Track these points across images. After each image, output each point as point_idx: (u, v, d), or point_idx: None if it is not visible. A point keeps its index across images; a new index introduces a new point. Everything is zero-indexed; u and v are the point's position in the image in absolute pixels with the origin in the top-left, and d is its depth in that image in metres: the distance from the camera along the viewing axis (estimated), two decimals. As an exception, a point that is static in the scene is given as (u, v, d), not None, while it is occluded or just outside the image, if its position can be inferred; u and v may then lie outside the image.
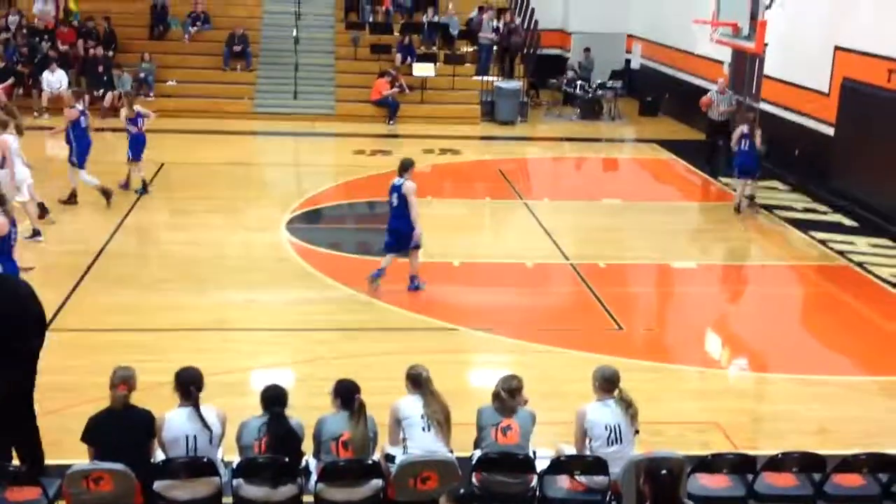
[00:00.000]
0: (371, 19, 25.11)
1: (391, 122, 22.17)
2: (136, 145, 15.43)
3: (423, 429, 6.63)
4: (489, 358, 10.11)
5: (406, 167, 11.34)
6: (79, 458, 6.30)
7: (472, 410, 6.96)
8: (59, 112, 21.07)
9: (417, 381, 6.81)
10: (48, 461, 6.81)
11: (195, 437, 6.32)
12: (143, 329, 9.89)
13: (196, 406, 6.38)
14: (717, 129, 18.55)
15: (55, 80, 21.48)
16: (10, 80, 21.49)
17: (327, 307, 11.10)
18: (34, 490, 6.10)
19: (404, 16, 25.39)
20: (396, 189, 11.25)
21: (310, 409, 6.88)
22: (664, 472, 5.04)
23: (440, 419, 6.68)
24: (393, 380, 8.76)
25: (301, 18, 24.51)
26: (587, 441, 6.71)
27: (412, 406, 6.73)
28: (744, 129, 15.32)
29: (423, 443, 6.59)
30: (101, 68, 21.88)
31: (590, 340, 10.29)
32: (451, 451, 6.64)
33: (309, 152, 20.18)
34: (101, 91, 21.58)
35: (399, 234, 11.29)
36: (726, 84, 18.97)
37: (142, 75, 22.09)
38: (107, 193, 14.57)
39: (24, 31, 22.83)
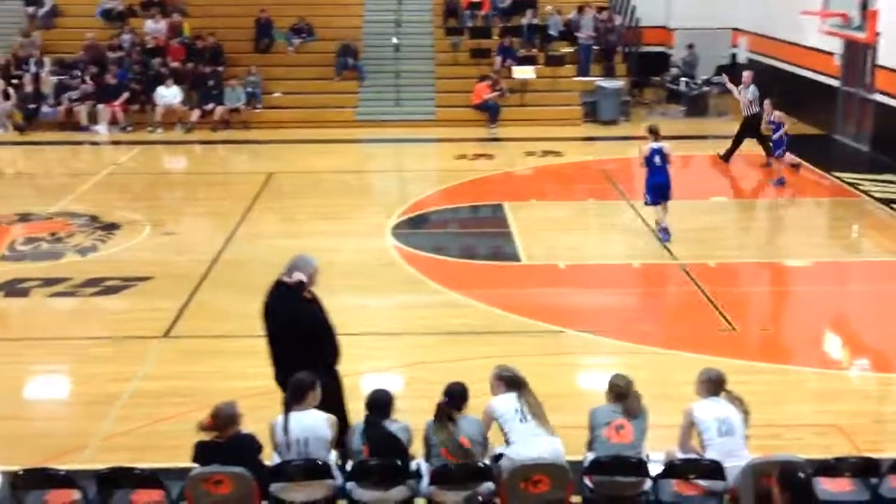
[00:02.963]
0: (470, 24, 25.20)
1: (492, 126, 22.18)
2: None
3: (521, 420, 6.68)
4: (595, 360, 10.00)
5: (658, 131, 13.40)
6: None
7: (579, 413, 6.93)
8: (172, 126, 21.94)
9: (515, 382, 6.86)
10: (170, 464, 7.03)
11: (306, 440, 6.44)
12: (257, 335, 10.07)
13: (303, 409, 6.51)
14: (748, 124, 18.10)
15: (170, 94, 22.22)
16: (125, 97, 22.33)
17: (433, 311, 11.17)
18: (158, 492, 6.30)
19: (503, 19, 25.40)
20: (658, 151, 13.10)
21: (418, 412, 6.94)
22: (802, 475, 4.86)
23: (537, 411, 6.74)
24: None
25: (401, 26, 24.77)
26: (697, 437, 6.62)
27: (505, 402, 6.78)
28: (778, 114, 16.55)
29: (524, 434, 6.63)
30: (210, 83, 22.54)
31: (701, 342, 10.09)
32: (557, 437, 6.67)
33: (411, 158, 20.36)
34: (212, 105, 22.22)
35: (664, 188, 13.20)
36: (750, 79, 18.47)
37: (249, 89, 22.65)
38: None
39: (138, 49, 23.68)
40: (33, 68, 22.86)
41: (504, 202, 15.71)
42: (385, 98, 23.16)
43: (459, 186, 17.08)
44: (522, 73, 23.13)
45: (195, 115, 22.15)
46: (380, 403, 6.61)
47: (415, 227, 14.74)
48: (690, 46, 25.56)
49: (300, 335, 7.10)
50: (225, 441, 6.35)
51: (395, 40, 23.99)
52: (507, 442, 6.71)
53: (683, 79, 24.31)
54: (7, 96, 22.22)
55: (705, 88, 23.82)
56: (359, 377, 9.20)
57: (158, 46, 23.81)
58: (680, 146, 20.41)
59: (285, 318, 7.16)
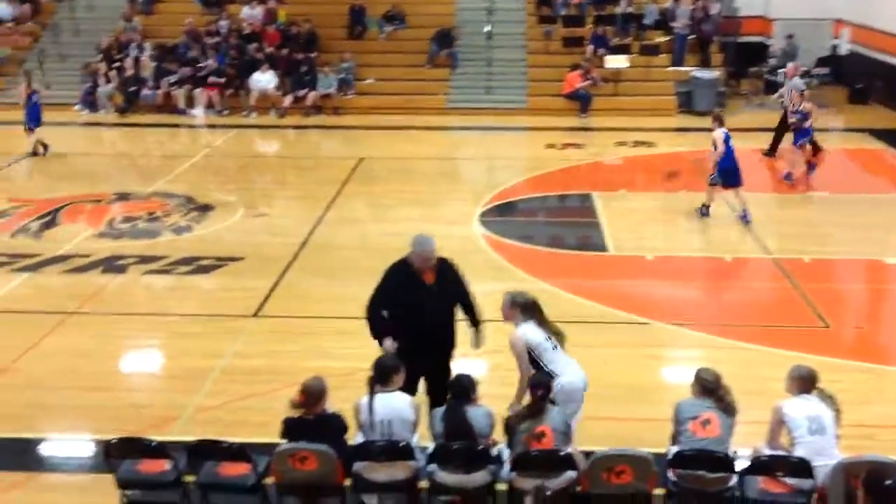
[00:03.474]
0: (564, 12, 24.99)
1: (583, 115, 21.99)
2: (37, 115, 18.22)
3: (554, 348, 7.01)
4: (683, 353, 9.86)
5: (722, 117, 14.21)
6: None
7: (662, 406, 6.85)
8: (266, 111, 22.33)
9: (530, 307, 7.15)
10: (257, 440, 7.18)
11: (389, 421, 6.51)
12: (344, 317, 10.18)
13: (389, 391, 6.58)
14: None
15: (265, 80, 22.62)
16: (222, 81, 22.81)
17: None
18: (245, 466, 6.45)
19: (597, 7, 25.11)
20: (729, 136, 13.78)
21: (500, 399, 6.95)
22: (889, 482, 4.70)
23: (560, 337, 7.13)
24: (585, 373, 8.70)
25: (493, 14, 24.71)
26: (787, 434, 6.48)
27: (534, 332, 7.04)
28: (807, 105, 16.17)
29: (563, 363, 7.00)
30: (303, 69, 22.85)
31: (793, 338, 9.85)
32: None
33: (501, 146, 20.31)
34: (304, 91, 22.53)
35: (736, 170, 13.73)
36: (794, 71, 18.39)
37: (342, 75, 22.90)
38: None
39: (234, 34, 24.14)
40: (134, 52, 23.52)
41: (593, 192, 15.58)
42: (476, 86, 23.16)
43: (548, 175, 16.99)
44: (615, 62, 22.87)
45: (288, 100, 22.50)
46: (462, 387, 6.64)
47: (503, 215, 14.72)
48: (790, 37, 24.89)
49: (444, 314, 7.29)
50: (313, 418, 6.45)
51: (487, 28, 23.94)
52: (548, 370, 6.93)
53: (781, 70, 23.67)
54: (109, 79, 22.94)
55: (804, 80, 23.17)
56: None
57: (254, 32, 24.23)
58: (777, 138, 19.99)
59: (410, 302, 7.24)
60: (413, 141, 20.05)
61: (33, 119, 18.22)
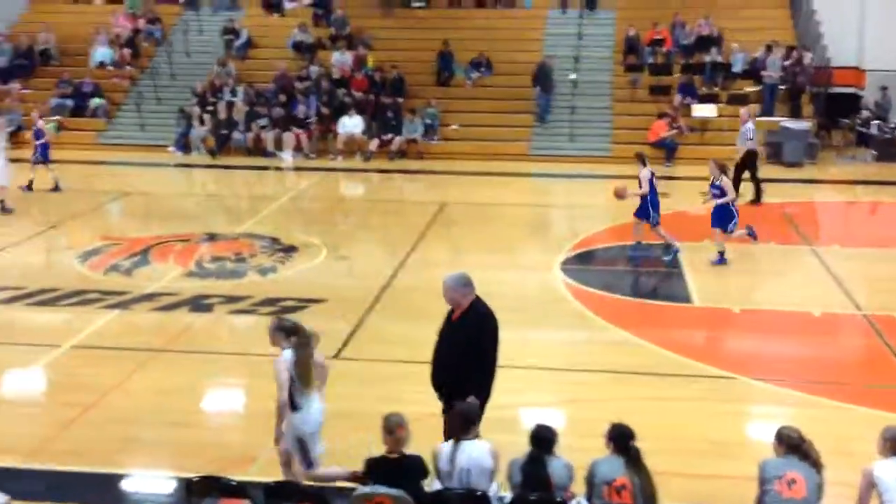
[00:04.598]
0: (651, 60, 24.93)
1: (668, 164, 21.80)
2: (45, 150, 18.65)
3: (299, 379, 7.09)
4: (768, 410, 9.59)
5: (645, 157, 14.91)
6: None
7: (746, 463, 6.64)
8: (352, 155, 22.70)
9: (292, 332, 7.29)
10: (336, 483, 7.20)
11: (469, 470, 6.46)
12: (420, 361, 10.19)
13: (469, 439, 6.53)
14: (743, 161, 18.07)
15: (352, 124, 23.04)
16: (313, 125, 23.29)
17: (599, 348, 11.04)
18: (321, 509, 6.47)
19: (685, 56, 24.99)
20: (654, 175, 14.58)
21: (577, 451, 6.84)
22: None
23: (305, 371, 7.16)
24: (665, 427, 8.56)
25: (580, 62, 24.77)
26: (878, 498, 6.24)
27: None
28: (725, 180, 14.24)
29: (306, 396, 7.12)
30: (390, 114, 23.21)
31: (884, 398, 9.50)
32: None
33: (584, 194, 20.25)
34: (390, 136, 22.85)
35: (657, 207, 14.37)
36: (747, 116, 18.57)
37: (427, 121, 23.18)
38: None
39: (324, 80, 24.67)
40: (228, 96, 24.21)
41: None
42: (560, 133, 23.19)
43: (632, 224, 16.78)
44: (703, 111, 22.69)
45: (374, 144, 22.85)
46: (543, 438, 6.56)
47: (584, 263, 14.63)
48: (884, 88, 24.38)
49: (449, 354, 7.39)
50: (398, 458, 6.44)
51: (573, 76, 24.01)
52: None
53: (875, 122, 23.18)
54: (202, 122, 23.62)
55: (899, 132, 22.66)
56: (517, 410, 9.17)
57: (343, 77, 24.74)
58: (869, 192, 19.57)
59: (442, 334, 7.60)
60: (496, 187, 20.13)
61: (44, 154, 18.71)
